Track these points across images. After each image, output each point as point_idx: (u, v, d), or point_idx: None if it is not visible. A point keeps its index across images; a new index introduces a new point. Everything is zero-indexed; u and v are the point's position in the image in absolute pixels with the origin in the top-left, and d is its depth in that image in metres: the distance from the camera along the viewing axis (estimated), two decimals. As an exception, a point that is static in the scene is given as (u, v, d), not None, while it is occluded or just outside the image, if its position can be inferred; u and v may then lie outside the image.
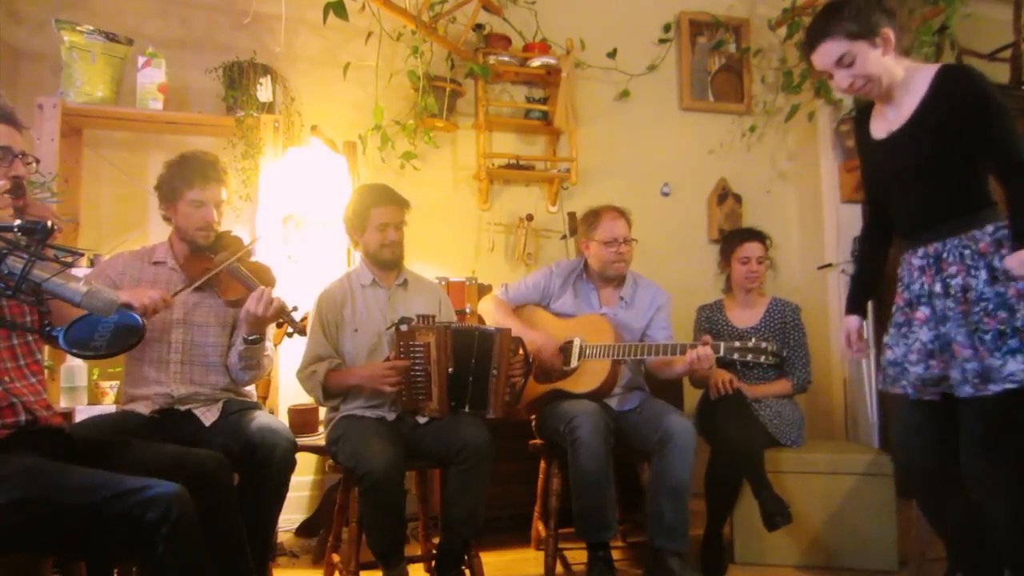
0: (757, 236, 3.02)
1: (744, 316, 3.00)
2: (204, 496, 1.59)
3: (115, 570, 1.92)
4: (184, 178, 2.23)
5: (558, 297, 2.77)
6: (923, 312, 1.88)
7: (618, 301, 2.75)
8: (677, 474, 2.41)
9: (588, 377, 2.59)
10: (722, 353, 2.43)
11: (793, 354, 2.93)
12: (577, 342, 2.63)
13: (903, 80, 1.87)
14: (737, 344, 2.44)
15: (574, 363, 2.62)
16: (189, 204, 2.23)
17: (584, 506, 2.41)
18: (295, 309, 2.22)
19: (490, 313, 2.77)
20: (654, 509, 2.45)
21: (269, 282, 2.26)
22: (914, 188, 1.90)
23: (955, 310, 1.80)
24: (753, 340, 2.45)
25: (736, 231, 3.17)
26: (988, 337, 1.74)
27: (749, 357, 2.42)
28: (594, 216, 2.77)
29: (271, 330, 2.33)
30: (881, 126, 1.95)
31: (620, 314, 2.72)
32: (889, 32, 1.83)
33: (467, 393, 2.38)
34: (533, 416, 2.74)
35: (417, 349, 2.33)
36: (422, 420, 2.40)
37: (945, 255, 1.84)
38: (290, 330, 2.25)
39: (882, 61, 1.84)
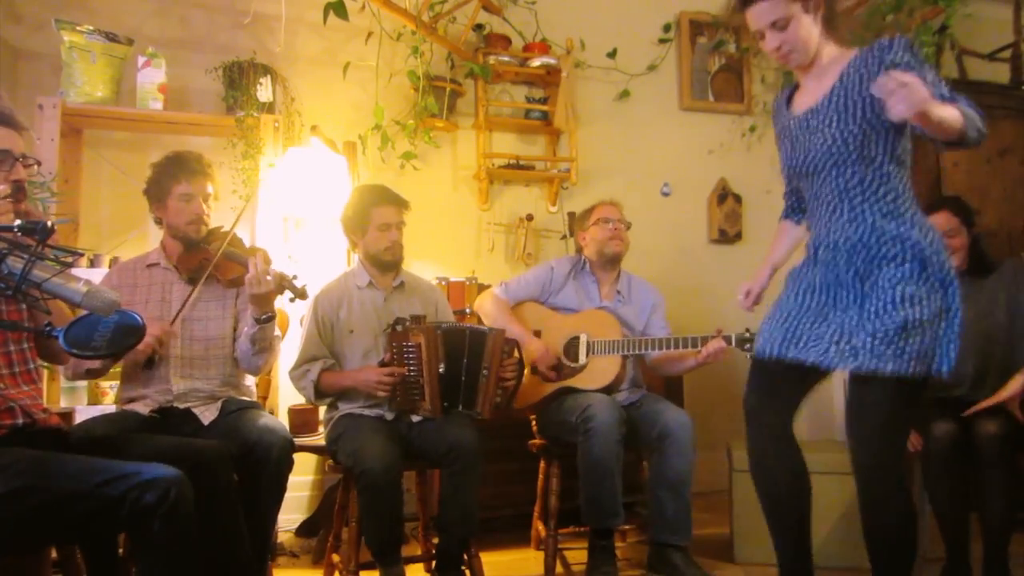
0: None
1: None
2: (204, 486, 1.60)
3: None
4: (170, 174, 2.27)
5: (559, 291, 2.77)
6: None
7: (616, 295, 2.76)
8: (677, 469, 2.42)
9: (598, 374, 2.58)
10: (733, 344, 2.38)
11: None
12: (584, 338, 2.62)
13: None
14: (747, 334, 2.35)
15: (583, 359, 2.61)
16: (178, 199, 2.27)
17: (593, 494, 2.40)
18: (295, 277, 2.26)
19: (488, 313, 2.76)
20: (656, 504, 2.46)
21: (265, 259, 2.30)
22: None
23: None
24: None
25: None
26: None
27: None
28: (587, 211, 2.85)
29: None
30: None
31: (620, 309, 2.73)
32: None
33: (459, 393, 2.38)
34: (532, 416, 2.74)
35: (410, 350, 2.33)
36: (416, 419, 2.40)
37: None
38: (290, 295, 2.26)
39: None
